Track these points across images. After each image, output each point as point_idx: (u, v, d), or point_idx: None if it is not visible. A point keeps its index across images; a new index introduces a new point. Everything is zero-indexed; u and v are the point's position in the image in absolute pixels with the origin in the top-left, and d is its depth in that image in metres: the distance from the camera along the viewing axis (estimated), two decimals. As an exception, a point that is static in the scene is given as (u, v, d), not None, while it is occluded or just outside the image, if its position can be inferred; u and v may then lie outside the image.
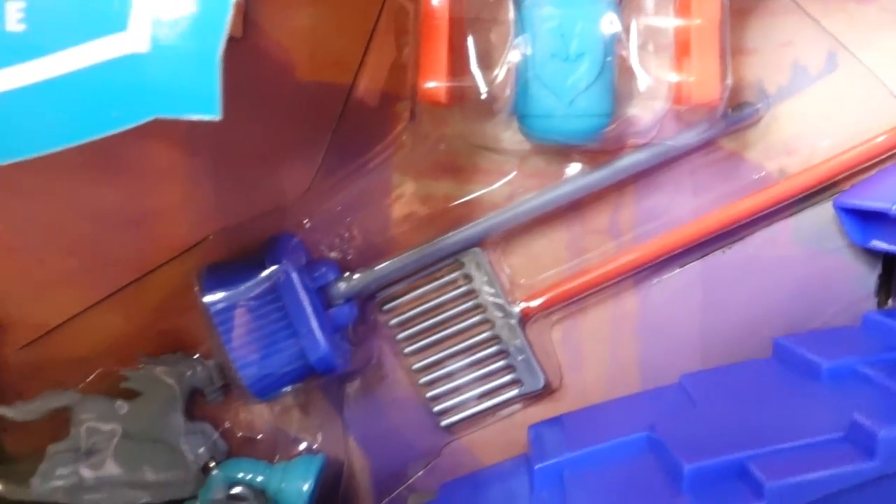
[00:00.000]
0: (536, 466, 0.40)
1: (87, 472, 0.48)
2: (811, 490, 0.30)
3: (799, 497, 0.30)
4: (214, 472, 0.48)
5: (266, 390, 0.45)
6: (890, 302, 0.46)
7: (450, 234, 0.46)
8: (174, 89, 0.26)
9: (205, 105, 0.26)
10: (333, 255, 0.47)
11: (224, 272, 0.45)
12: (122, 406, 0.48)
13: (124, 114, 0.26)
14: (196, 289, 0.44)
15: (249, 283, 0.44)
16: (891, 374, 0.35)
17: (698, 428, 0.37)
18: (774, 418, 0.36)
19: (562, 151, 0.45)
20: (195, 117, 0.27)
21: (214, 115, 0.27)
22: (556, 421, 0.46)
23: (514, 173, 0.46)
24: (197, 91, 0.26)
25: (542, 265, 0.48)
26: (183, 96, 0.26)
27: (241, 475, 0.48)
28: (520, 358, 0.48)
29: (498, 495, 0.43)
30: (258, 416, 0.50)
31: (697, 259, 0.47)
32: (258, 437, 0.50)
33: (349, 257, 0.48)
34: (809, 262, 0.46)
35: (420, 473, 0.51)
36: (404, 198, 0.48)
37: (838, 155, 0.45)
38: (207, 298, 0.44)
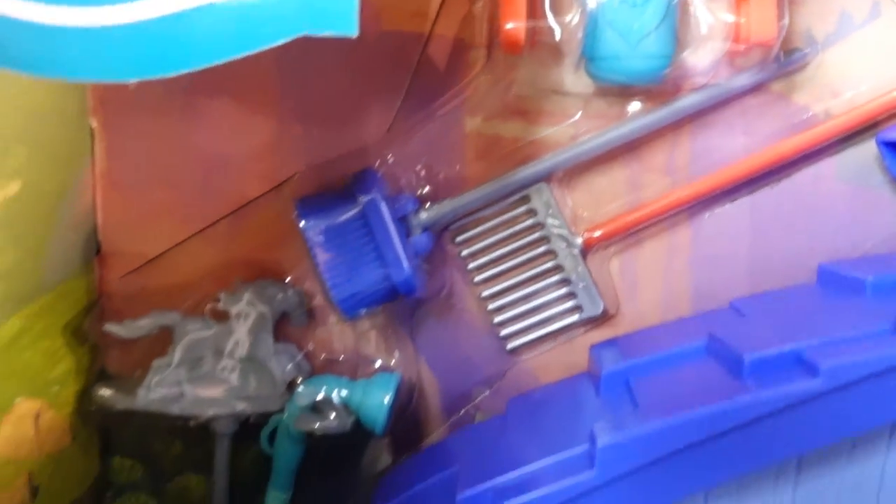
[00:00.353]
0: (603, 373, 0.45)
1: (187, 385, 0.53)
2: (861, 369, 0.34)
3: (850, 375, 0.34)
4: (300, 387, 0.54)
5: (353, 308, 0.49)
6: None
7: (518, 170, 0.51)
8: (319, 10, 0.31)
9: (345, 24, 0.31)
10: (411, 190, 0.52)
11: (318, 202, 0.49)
12: (219, 326, 0.54)
13: (275, 32, 0.31)
14: (294, 215, 0.49)
15: (341, 211, 0.49)
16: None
17: (753, 332, 0.41)
18: (823, 321, 0.40)
19: (623, 93, 0.50)
20: (335, 34, 0.31)
21: (352, 32, 0.31)
22: (615, 340, 0.51)
23: (578, 114, 0.51)
24: (339, 11, 0.31)
25: (602, 200, 0.52)
26: (326, 16, 0.31)
27: (324, 389, 0.53)
28: (581, 285, 0.52)
29: (565, 405, 0.47)
30: (339, 339, 0.56)
31: (747, 195, 0.51)
32: (339, 358, 0.56)
33: (425, 192, 0.52)
34: (852, 197, 0.50)
35: (486, 394, 0.56)
36: (476, 138, 0.52)
37: (880, 96, 0.49)
38: (304, 224, 0.49)
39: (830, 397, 0.35)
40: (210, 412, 0.52)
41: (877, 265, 0.44)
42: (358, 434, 0.53)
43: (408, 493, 0.46)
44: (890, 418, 0.35)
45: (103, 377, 0.57)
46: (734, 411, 0.35)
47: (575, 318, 0.53)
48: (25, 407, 0.50)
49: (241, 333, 0.53)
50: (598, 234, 0.52)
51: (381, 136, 0.52)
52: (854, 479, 0.38)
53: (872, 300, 0.41)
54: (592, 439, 0.37)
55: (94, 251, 0.56)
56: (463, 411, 0.56)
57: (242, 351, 0.53)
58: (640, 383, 0.42)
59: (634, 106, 0.50)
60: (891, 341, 0.35)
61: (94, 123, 0.54)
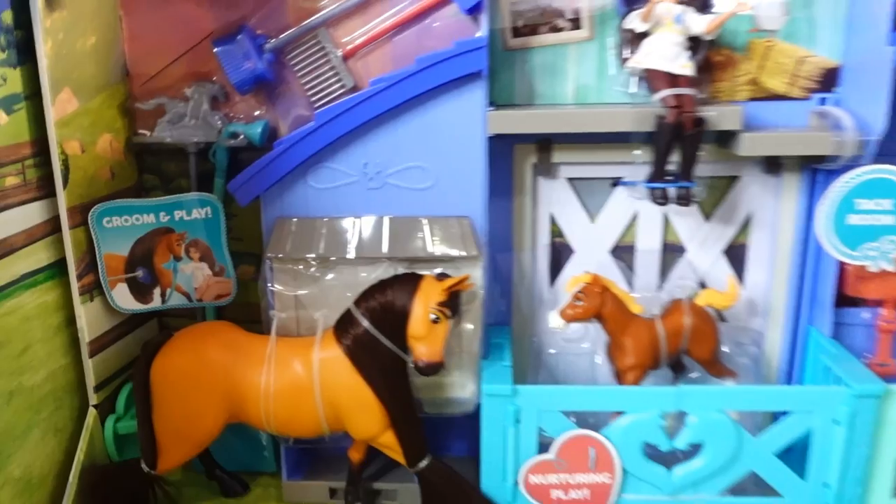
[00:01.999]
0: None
1: (174, 129, 1.22)
2: (392, 80, 1.01)
3: (385, 85, 1.01)
4: (223, 129, 1.22)
5: (241, 86, 1.18)
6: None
7: (311, 20, 1.17)
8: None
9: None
10: (264, 32, 1.19)
11: (222, 39, 1.17)
12: (184, 103, 1.22)
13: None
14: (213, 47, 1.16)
15: (231, 41, 1.16)
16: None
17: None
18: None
19: (353, -17, 1.15)
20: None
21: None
22: (356, 95, 1.19)
23: (337, -6, 1.17)
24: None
25: (353, 33, 1.18)
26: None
27: (235, 126, 1.22)
28: (343, 74, 1.20)
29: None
30: (242, 108, 1.24)
31: (415, 25, 1.17)
32: (241, 116, 1.24)
33: (270, 34, 1.19)
34: (456, 26, 1.16)
35: (310, 130, 1.24)
36: (293, 8, 1.18)
37: (462, -21, 1.13)
38: (216, 49, 1.16)
39: (379, 95, 1.02)
40: (185, 139, 1.22)
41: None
42: (252, 150, 1.23)
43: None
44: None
45: (137, 133, 1.26)
46: (345, 104, 1.03)
47: (342, 90, 1.21)
48: (107, 136, 1.20)
49: (196, 102, 1.21)
50: (350, 48, 1.19)
51: (252, 8, 1.19)
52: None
53: (434, 62, 1.08)
54: (317, 115, 1.06)
55: (126, 72, 1.24)
56: (301, 139, 1.25)
57: (197, 112, 1.22)
58: (348, 101, 1.10)
59: (360, -12, 1.16)
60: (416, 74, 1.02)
61: (121, 12, 1.22)
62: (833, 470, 1.08)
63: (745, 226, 1.25)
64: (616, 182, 1.22)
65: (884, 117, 1.05)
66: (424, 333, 1.05)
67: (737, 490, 1.11)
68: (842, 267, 1.18)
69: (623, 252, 1.27)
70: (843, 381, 1.08)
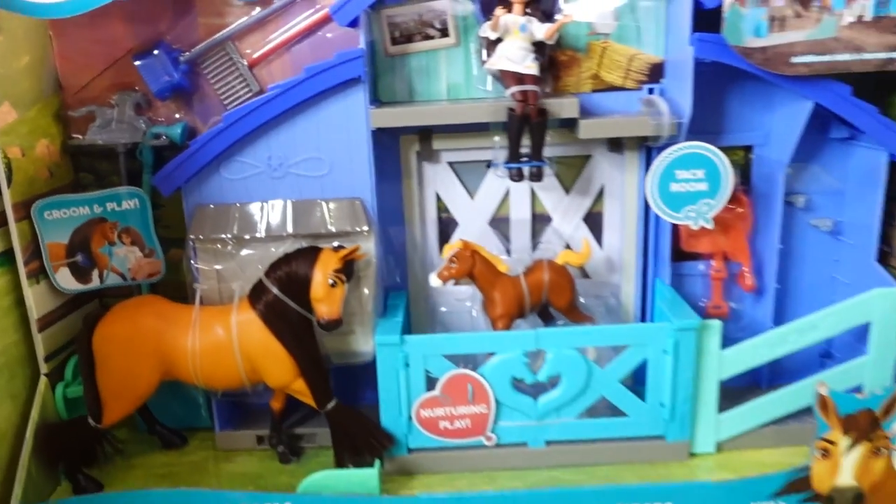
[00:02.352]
0: (247, 105, 1.33)
1: (104, 133, 1.40)
2: (289, 86, 1.22)
3: (286, 89, 1.22)
4: (147, 131, 1.41)
5: (161, 94, 1.38)
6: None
7: (219, 36, 1.37)
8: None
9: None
10: (178, 46, 1.38)
11: (141, 54, 1.35)
12: (111, 109, 1.40)
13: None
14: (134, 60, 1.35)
15: (149, 55, 1.36)
16: None
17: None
18: (302, 76, 1.27)
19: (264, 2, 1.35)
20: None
21: None
22: (262, 98, 1.39)
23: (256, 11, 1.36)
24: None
25: (255, 45, 1.38)
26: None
27: (156, 130, 1.40)
28: (250, 80, 1.40)
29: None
30: (163, 112, 1.43)
31: (317, 33, 1.37)
32: (162, 119, 1.43)
33: (184, 48, 1.38)
34: (343, 39, 1.36)
35: (225, 129, 1.44)
36: (204, 26, 1.37)
37: (347, -4, 1.34)
38: (136, 63, 1.35)
39: (277, 98, 1.23)
40: (114, 141, 1.40)
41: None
42: (174, 148, 1.42)
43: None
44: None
45: (71, 137, 1.44)
46: (249, 107, 1.23)
47: (250, 94, 1.41)
48: (44, 142, 1.39)
49: (121, 109, 1.40)
50: (254, 58, 1.39)
51: (167, 26, 1.38)
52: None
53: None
54: (226, 117, 1.26)
55: (58, 85, 1.42)
56: (217, 137, 1.45)
57: (123, 117, 1.40)
58: (253, 104, 1.30)
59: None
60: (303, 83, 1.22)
61: (51, 33, 1.39)
62: (666, 392, 1.33)
63: (600, 196, 1.50)
64: (489, 164, 1.45)
65: (689, 103, 1.30)
66: (324, 296, 1.26)
67: (591, 413, 1.36)
68: (675, 227, 1.44)
69: (500, 223, 1.50)
70: (669, 318, 1.33)
